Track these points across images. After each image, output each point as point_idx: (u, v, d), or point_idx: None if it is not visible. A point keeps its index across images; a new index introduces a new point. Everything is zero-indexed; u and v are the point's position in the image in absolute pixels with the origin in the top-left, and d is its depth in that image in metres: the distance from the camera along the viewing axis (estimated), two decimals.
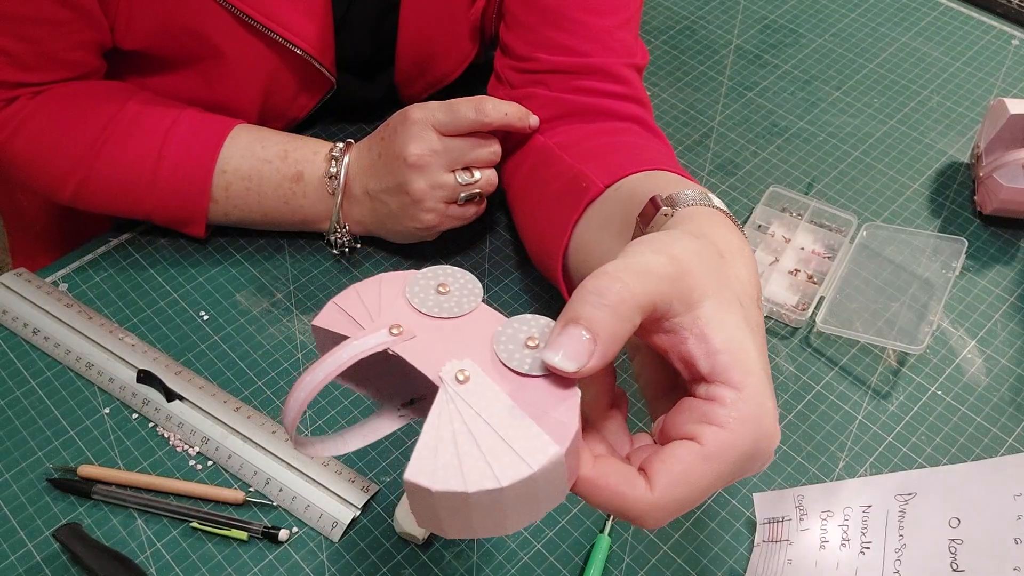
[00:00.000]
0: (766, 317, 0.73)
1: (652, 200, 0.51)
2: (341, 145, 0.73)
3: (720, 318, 0.40)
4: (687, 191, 0.51)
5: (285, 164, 0.73)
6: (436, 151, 0.69)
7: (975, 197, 0.80)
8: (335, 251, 0.76)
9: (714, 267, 0.42)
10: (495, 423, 0.37)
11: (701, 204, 0.49)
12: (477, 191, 0.71)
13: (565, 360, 0.37)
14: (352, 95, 0.84)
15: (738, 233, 0.48)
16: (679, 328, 0.40)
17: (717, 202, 0.50)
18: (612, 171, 0.61)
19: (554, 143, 0.70)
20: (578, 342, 0.37)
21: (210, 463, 0.66)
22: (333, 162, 0.72)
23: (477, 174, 0.70)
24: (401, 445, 0.66)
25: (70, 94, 0.73)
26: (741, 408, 0.38)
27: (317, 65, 0.76)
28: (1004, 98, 0.78)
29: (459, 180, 0.70)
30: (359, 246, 0.78)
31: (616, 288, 0.37)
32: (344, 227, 0.74)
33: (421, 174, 0.69)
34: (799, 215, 0.79)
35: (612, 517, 0.62)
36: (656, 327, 0.40)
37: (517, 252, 0.78)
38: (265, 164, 0.73)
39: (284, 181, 0.73)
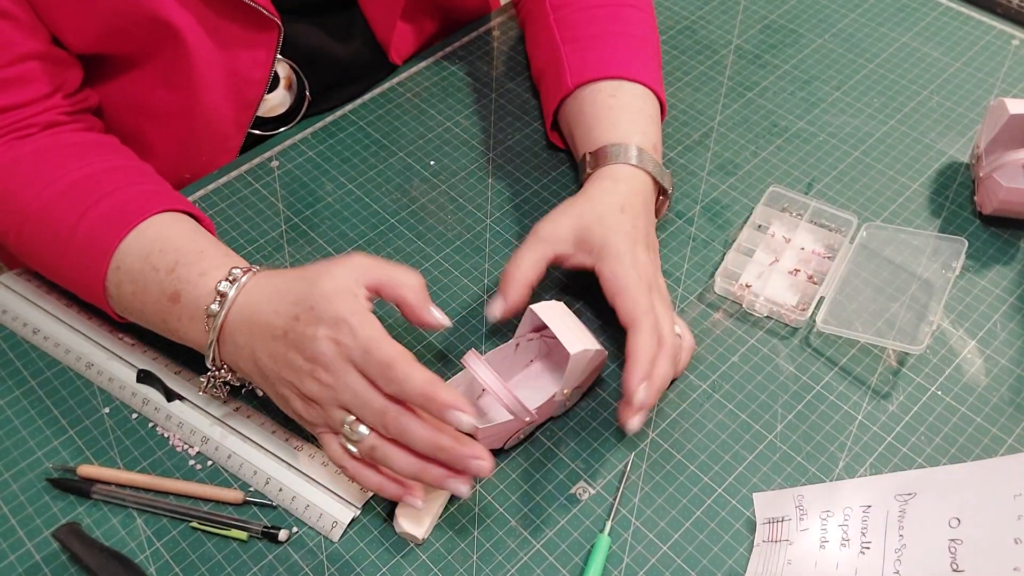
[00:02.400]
0: (766, 317, 0.73)
1: (582, 156, 0.75)
2: (240, 270, 0.62)
3: (613, 266, 0.66)
4: (615, 147, 0.72)
5: (168, 279, 0.63)
6: (350, 342, 0.56)
7: (975, 197, 0.80)
8: (201, 391, 0.66)
9: (614, 222, 0.68)
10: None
11: (620, 163, 0.72)
12: (356, 445, 0.58)
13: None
14: (324, 51, 0.84)
15: (640, 187, 0.71)
16: (596, 262, 0.67)
17: (633, 158, 0.72)
18: (586, 71, 0.78)
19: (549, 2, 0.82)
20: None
21: (210, 463, 0.66)
22: (217, 297, 0.61)
23: (364, 431, 0.57)
24: None
25: (25, 157, 0.70)
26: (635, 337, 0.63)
27: (251, 3, 0.74)
28: (1004, 98, 0.77)
29: (344, 421, 0.58)
30: (260, 393, 0.66)
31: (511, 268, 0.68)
32: (223, 369, 0.64)
33: (332, 332, 0.57)
34: (799, 215, 0.79)
35: (612, 517, 0.62)
36: (581, 261, 0.69)
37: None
38: (152, 272, 0.64)
39: (162, 298, 0.64)
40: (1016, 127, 0.77)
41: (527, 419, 0.62)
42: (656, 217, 0.75)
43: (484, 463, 0.56)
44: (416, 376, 0.55)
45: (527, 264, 0.68)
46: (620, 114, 0.76)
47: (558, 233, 0.69)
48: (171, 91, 0.79)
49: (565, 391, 0.64)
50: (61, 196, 0.68)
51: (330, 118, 0.89)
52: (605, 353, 0.67)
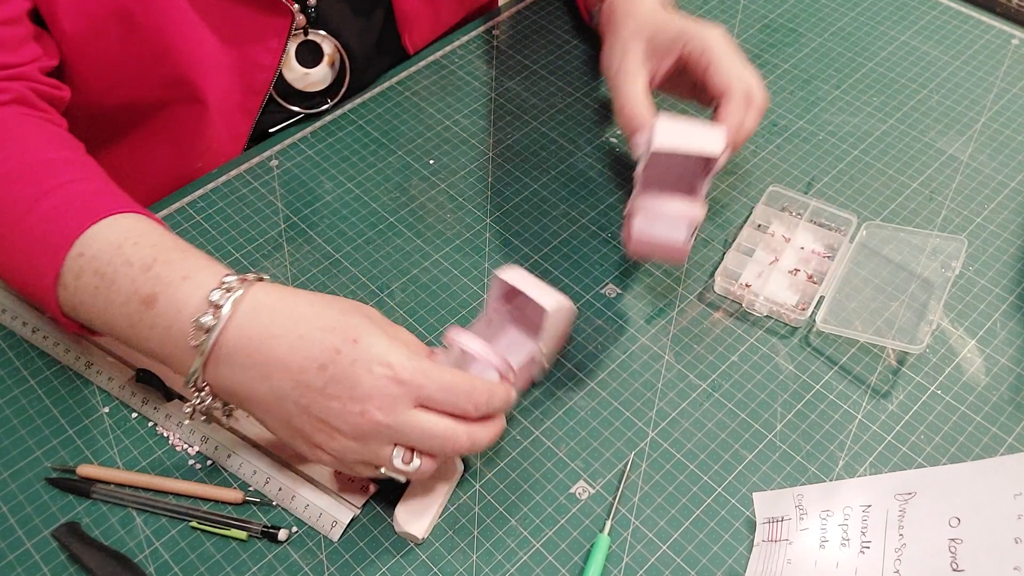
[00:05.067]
0: (766, 316, 0.73)
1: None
2: (234, 279, 0.54)
3: (700, 43, 0.70)
4: None
5: (144, 277, 0.54)
6: (409, 385, 0.53)
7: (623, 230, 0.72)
8: (188, 421, 0.57)
9: (669, 17, 0.73)
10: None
11: None
12: (400, 478, 0.56)
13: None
14: (340, 39, 0.85)
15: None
16: (682, 49, 0.71)
17: None
18: None
19: None
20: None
21: (209, 462, 0.66)
22: (211, 310, 0.52)
23: (417, 463, 0.54)
24: None
25: (6, 118, 0.65)
26: (733, 88, 0.69)
27: None
28: (659, 118, 0.67)
29: (393, 458, 0.54)
30: (233, 410, 0.59)
31: (625, 105, 0.71)
32: (204, 390, 0.55)
33: (388, 370, 0.52)
34: (799, 214, 0.79)
35: (612, 517, 0.62)
36: (669, 64, 0.73)
37: (516, 251, 0.78)
38: (124, 267, 0.55)
39: (133, 297, 0.54)
40: (663, 165, 0.69)
41: (512, 378, 0.61)
42: None
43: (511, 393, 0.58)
44: (499, 392, 0.56)
45: (640, 94, 0.70)
46: None
47: (638, 56, 0.72)
48: (175, 71, 0.78)
49: (543, 349, 0.66)
50: (26, 169, 0.60)
51: (329, 117, 0.89)
52: (575, 309, 0.70)
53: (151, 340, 0.55)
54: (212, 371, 0.54)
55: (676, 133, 0.66)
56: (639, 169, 0.67)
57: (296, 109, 0.87)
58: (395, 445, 0.54)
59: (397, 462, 0.54)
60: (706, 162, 0.68)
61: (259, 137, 0.89)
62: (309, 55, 0.85)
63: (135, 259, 0.55)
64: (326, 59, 0.86)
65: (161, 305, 0.54)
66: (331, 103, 0.89)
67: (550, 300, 0.63)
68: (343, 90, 0.89)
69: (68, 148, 0.66)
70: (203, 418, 0.57)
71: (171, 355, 0.55)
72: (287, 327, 0.53)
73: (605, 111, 0.90)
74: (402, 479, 0.57)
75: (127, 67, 0.77)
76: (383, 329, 0.55)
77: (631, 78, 0.71)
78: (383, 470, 0.56)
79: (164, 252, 0.56)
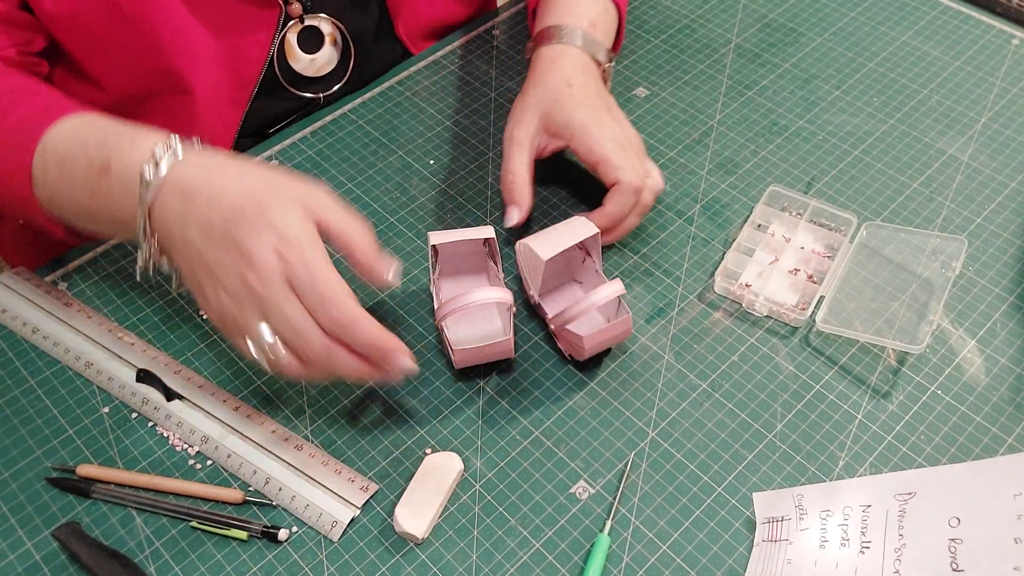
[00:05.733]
0: (766, 316, 0.73)
1: (531, 39, 0.82)
2: (174, 141, 0.59)
3: (585, 141, 0.72)
4: (546, 29, 0.79)
5: (97, 152, 0.61)
6: (294, 250, 0.55)
7: (559, 344, 0.71)
8: (139, 278, 0.62)
9: (567, 99, 0.74)
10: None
11: (551, 44, 0.78)
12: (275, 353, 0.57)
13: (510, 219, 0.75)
14: (348, 15, 0.86)
15: (576, 60, 0.77)
16: (568, 142, 0.74)
17: (563, 37, 0.78)
18: None
19: None
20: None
21: (209, 462, 0.66)
22: (152, 161, 0.58)
23: (279, 347, 0.56)
24: (400, 444, 0.66)
25: None
26: (621, 184, 0.72)
27: None
28: (525, 240, 0.69)
29: (261, 332, 0.56)
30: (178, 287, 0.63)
31: (510, 177, 0.75)
32: (154, 247, 0.60)
33: (280, 245, 0.55)
34: (799, 214, 0.79)
35: (612, 516, 0.62)
36: (557, 144, 0.76)
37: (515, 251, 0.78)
38: (80, 149, 0.62)
39: (91, 171, 0.60)
40: (552, 268, 0.72)
41: (510, 302, 0.67)
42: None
43: (409, 360, 0.58)
44: (369, 328, 0.56)
45: (522, 168, 0.75)
46: (552, 5, 0.82)
47: (529, 130, 0.75)
48: (161, 62, 0.78)
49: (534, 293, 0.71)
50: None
51: (329, 117, 0.89)
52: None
53: (111, 207, 0.60)
54: (154, 219, 0.58)
55: (552, 241, 0.68)
56: (536, 295, 0.71)
57: (309, 95, 0.88)
58: (266, 322, 0.56)
59: (266, 336, 0.56)
60: (586, 244, 0.72)
61: (260, 135, 0.89)
62: (311, 41, 0.86)
63: (89, 140, 0.62)
64: (327, 39, 0.86)
65: (115, 170, 0.59)
66: (339, 85, 0.90)
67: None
68: (350, 67, 0.89)
69: (24, 76, 0.71)
70: (153, 274, 0.62)
71: (126, 215, 0.59)
72: (216, 179, 0.57)
73: None
74: (265, 365, 0.57)
75: (113, 54, 0.77)
76: (302, 206, 0.57)
77: (518, 150, 0.75)
78: (251, 345, 0.57)
79: (113, 129, 0.62)
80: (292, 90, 0.87)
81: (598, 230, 0.69)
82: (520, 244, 0.71)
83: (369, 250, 0.59)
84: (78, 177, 0.61)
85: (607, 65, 0.81)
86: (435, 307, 0.71)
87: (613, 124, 0.74)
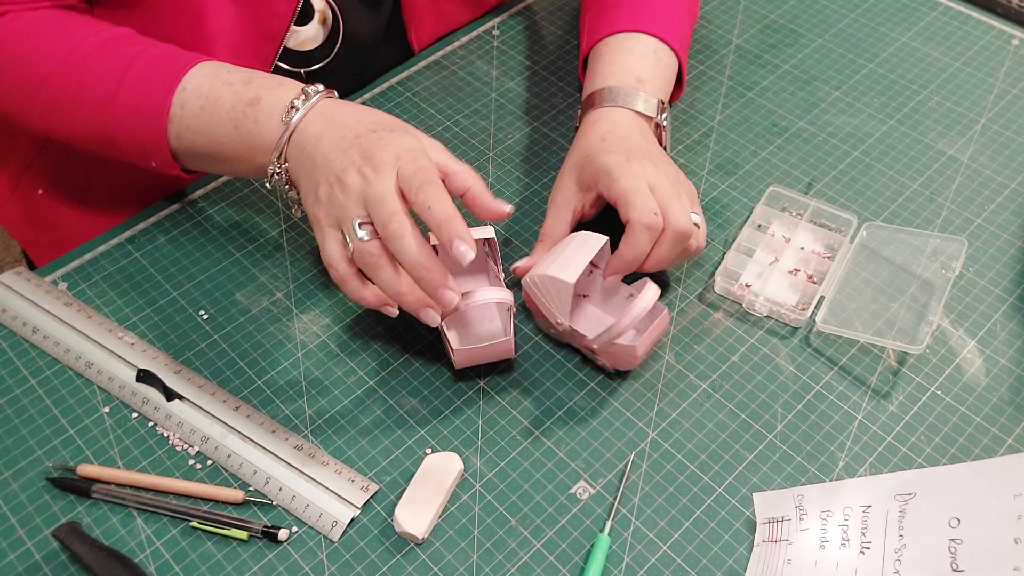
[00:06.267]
0: (766, 317, 0.73)
1: (582, 103, 0.80)
2: (322, 88, 0.68)
3: (608, 184, 0.69)
4: (590, 96, 0.78)
5: (245, 88, 0.69)
6: (412, 157, 0.62)
7: (600, 362, 0.70)
8: (269, 185, 0.69)
9: (598, 152, 0.72)
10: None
11: (595, 109, 0.76)
12: (366, 250, 0.61)
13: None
14: (351, 27, 0.86)
15: (620, 119, 0.75)
16: (598, 189, 0.71)
17: (606, 101, 0.76)
18: (604, 26, 0.82)
19: None
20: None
21: (209, 462, 0.66)
22: (303, 95, 0.67)
23: (366, 236, 0.61)
24: (401, 444, 0.66)
25: (49, 17, 0.73)
26: (630, 223, 0.68)
27: None
28: (537, 273, 0.68)
29: (354, 220, 0.61)
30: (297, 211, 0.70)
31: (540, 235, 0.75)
32: (284, 164, 0.68)
33: (401, 152, 0.62)
34: (799, 215, 0.79)
35: (612, 517, 0.62)
36: (595, 198, 0.74)
37: (516, 251, 0.78)
38: (226, 86, 0.69)
39: (239, 103, 0.68)
40: (576, 289, 0.71)
41: (509, 302, 0.67)
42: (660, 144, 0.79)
43: (453, 295, 0.61)
44: (448, 204, 0.61)
45: (553, 230, 0.74)
46: (600, 63, 0.80)
47: (565, 193, 0.74)
48: (181, 16, 0.78)
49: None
50: (104, 44, 0.71)
51: None
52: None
53: (252, 135, 0.68)
54: (291, 147, 0.66)
55: (566, 264, 0.66)
56: (566, 322, 0.68)
57: (286, 67, 0.86)
58: (363, 217, 0.61)
59: (355, 225, 0.61)
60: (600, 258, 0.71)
61: None
62: (302, 14, 0.85)
63: (234, 80, 0.69)
64: (317, 16, 0.86)
65: (265, 101, 0.68)
66: (320, 64, 0.88)
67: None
68: (333, 54, 0.88)
69: (123, 27, 0.75)
70: (287, 188, 0.69)
71: (268, 137, 0.67)
72: (353, 112, 0.66)
73: None
74: (341, 266, 0.63)
75: (141, 4, 0.78)
76: (424, 143, 0.65)
77: (554, 213, 0.74)
78: (336, 241, 0.63)
79: (256, 72, 0.70)
80: (277, 62, 0.86)
81: (606, 239, 0.68)
82: (531, 278, 0.68)
83: (484, 190, 0.65)
84: (222, 111, 0.68)
85: (658, 119, 0.77)
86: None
87: (644, 166, 0.69)
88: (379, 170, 0.61)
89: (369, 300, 0.64)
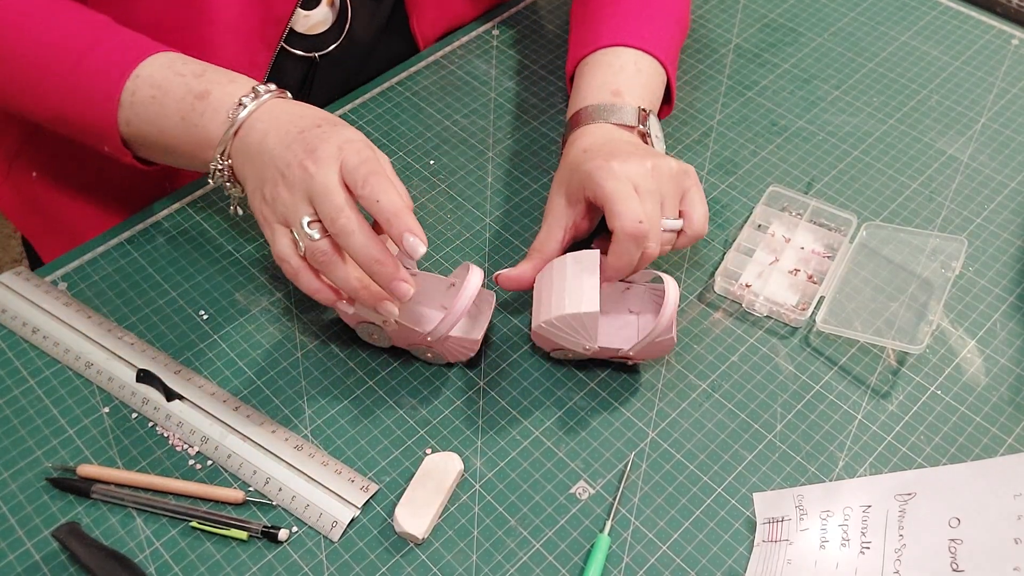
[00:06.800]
0: (766, 316, 0.73)
1: (567, 123, 0.79)
2: (273, 87, 0.68)
3: (593, 191, 0.68)
4: (572, 117, 0.77)
5: (197, 81, 0.69)
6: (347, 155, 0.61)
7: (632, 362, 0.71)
8: (212, 182, 0.69)
9: (581, 163, 0.70)
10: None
11: (596, 122, 0.75)
12: (316, 246, 0.61)
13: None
14: (357, 12, 0.86)
15: (602, 133, 0.74)
16: (594, 202, 0.69)
17: (589, 118, 0.75)
18: (586, 44, 0.81)
19: None
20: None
21: (209, 462, 0.66)
22: (253, 93, 0.67)
23: (316, 235, 0.61)
24: (400, 444, 0.66)
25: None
26: (616, 234, 0.66)
27: None
28: (556, 316, 0.65)
29: (303, 219, 0.61)
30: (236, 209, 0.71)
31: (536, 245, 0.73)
32: (227, 161, 0.67)
33: (344, 145, 0.62)
34: (799, 214, 0.79)
35: (612, 517, 0.62)
36: (585, 211, 0.72)
37: (516, 252, 0.78)
38: (178, 77, 0.69)
39: (188, 95, 0.68)
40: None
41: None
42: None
43: (408, 286, 0.61)
44: (395, 197, 0.60)
45: (543, 247, 0.72)
46: (581, 82, 0.80)
47: (555, 211, 0.72)
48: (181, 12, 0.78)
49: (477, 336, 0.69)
50: (71, 24, 0.71)
51: None
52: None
53: (198, 128, 0.67)
54: (236, 142, 0.66)
55: (578, 292, 0.65)
56: (595, 344, 0.66)
57: (300, 53, 0.86)
58: (311, 215, 0.61)
59: (304, 224, 0.61)
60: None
61: None
62: None
63: (186, 72, 0.69)
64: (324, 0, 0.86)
65: (214, 96, 0.67)
66: (328, 50, 0.88)
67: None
68: (341, 37, 0.88)
69: (95, 13, 0.75)
70: (229, 185, 0.68)
71: (213, 132, 0.67)
72: (299, 108, 0.66)
73: None
74: (292, 261, 0.62)
75: None
76: (368, 142, 0.64)
77: (549, 231, 0.72)
78: (285, 237, 0.63)
79: (210, 66, 0.70)
80: (284, 45, 0.86)
81: (598, 252, 0.66)
82: (547, 322, 0.65)
83: (404, 211, 0.62)
84: (171, 101, 0.68)
85: (641, 127, 0.75)
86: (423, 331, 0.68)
87: (628, 164, 0.67)
88: (321, 163, 0.61)
89: (325, 293, 0.64)
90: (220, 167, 0.67)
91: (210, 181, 0.69)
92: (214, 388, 0.69)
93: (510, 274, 0.71)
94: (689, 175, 0.70)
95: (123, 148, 0.72)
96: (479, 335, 0.68)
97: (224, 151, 0.66)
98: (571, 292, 0.65)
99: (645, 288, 0.70)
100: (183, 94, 0.68)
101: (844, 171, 0.84)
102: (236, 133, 0.66)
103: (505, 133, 0.88)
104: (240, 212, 0.70)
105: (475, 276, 0.65)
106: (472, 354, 0.69)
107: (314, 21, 0.86)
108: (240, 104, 0.66)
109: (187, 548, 0.61)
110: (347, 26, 0.88)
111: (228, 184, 0.68)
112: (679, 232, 0.69)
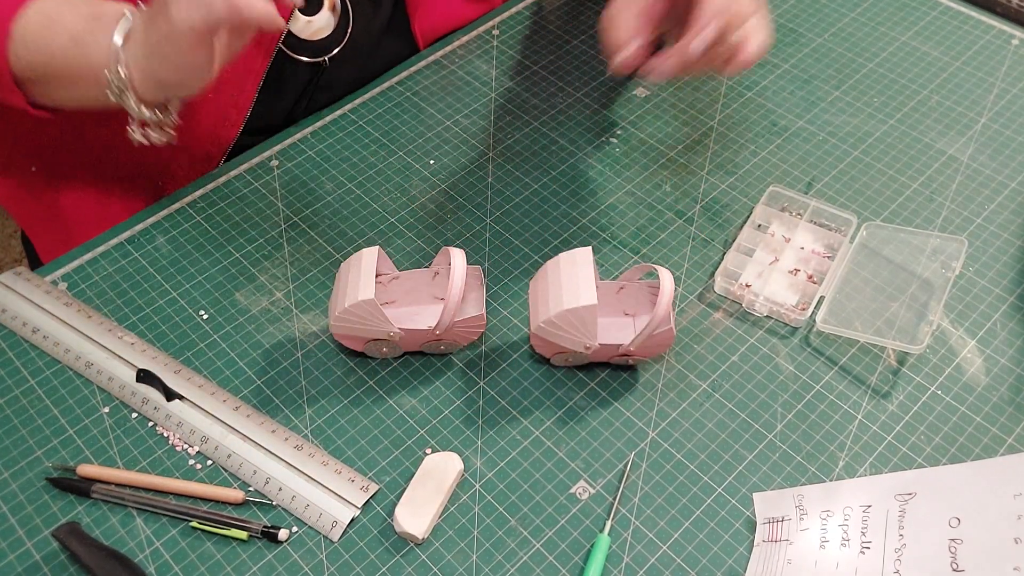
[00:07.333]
0: (766, 316, 0.73)
1: None
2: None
3: None
4: None
5: (88, 6, 0.70)
6: None
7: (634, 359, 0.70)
8: (113, 98, 0.69)
9: None
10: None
11: None
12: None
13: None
14: (359, 15, 0.85)
15: None
16: None
17: None
18: None
19: None
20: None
21: (209, 462, 0.66)
22: (135, 10, 0.68)
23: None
24: (400, 444, 0.66)
25: None
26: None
27: None
28: (553, 316, 0.65)
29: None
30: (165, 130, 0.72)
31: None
32: (121, 66, 0.68)
33: None
34: (799, 215, 0.79)
35: (612, 517, 0.62)
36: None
37: (516, 251, 0.78)
38: (68, 5, 0.70)
39: (80, 19, 0.69)
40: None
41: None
42: None
43: None
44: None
45: (627, 29, 0.69)
46: None
47: None
48: None
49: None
50: None
51: (329, 117, 0.89)
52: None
53: (91, 45, 0.68)
54: (128, 44, 0.67)
55: (575, 289, 0.65)
56: (596, 342, 0.66)
57: (306, 59, 0.86)
58: None
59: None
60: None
61: (260, 132, 0.88)
62: (310, 4, 0.85)
63: (79, 2, 0.70)
64: (327, 4, 0.86)
65: (106, 16, 0.68)
66: (330, 55, 0.88)
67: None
68: (344, 40, 0.88)
69: None
70: (119, 91, 0.68)
71: (104, 52, 0.67)
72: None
73: (606, 111, 0.90)
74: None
75: None
76: None
77: (623, 15, 0.70)
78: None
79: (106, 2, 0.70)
80: (289, 52, 0.86)
81: (589, 248, 0.67)
82: (546, 322, 0.64)
83: None
84: (63, 27, 0.69)
85: None
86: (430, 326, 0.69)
87: None
88: None
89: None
90: (118, 72, 0.67)
91: (111, 97, 0.69)
92: (214, 388, 0.69)
93: (623, 58, 0.69)
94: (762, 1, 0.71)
95: (14, 87, 0.71)
96: (481, 310, 0.68)
97: (120, 61, 0.67)
98: (567, 289, 0.65)
99: (639, 287, 0.70)
100: (75, 18, 0.69)
101: (844, 171, 0.84)
102: (128, 36, 0.66)
103: (505, 133, 0.88)
104: (141, 137, 0.70)
105: (459, 258, 0.65)
106: (483, 330, 0.69)
107: (317, 26, 0.86)
108: (127, 16, 0.67)
109: (187, 548, 0.61)
110: (349, 30, 0.88)
111: (130, 97, 0.68)
112: (729, 54, 0.69)
